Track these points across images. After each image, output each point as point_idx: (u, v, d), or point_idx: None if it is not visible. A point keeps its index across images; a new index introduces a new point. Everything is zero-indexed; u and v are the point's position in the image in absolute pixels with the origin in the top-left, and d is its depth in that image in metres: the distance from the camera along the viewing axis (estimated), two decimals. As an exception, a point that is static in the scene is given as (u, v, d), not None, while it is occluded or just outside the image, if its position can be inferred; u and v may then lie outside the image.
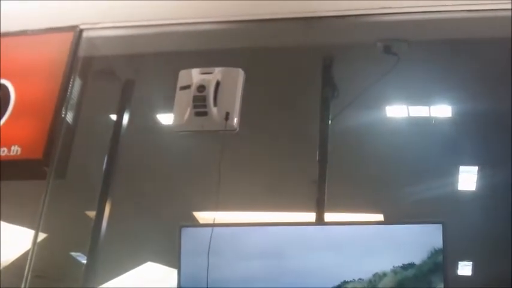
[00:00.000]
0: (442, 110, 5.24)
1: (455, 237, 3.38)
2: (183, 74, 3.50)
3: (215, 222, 3.36)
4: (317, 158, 3.96)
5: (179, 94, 3.45)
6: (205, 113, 3.34)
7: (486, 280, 8.56)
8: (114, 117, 4.53)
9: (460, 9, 3.44)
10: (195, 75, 3.43)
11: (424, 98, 5.08)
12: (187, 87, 3.41)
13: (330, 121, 4.00)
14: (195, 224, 5.86)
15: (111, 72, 4.40)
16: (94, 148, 4.55)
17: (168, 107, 5.42)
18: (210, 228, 3.55)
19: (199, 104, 3.34)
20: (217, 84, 3.38)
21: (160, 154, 5.98)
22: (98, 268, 4.25)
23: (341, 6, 3.54)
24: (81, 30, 3.97)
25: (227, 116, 3.32)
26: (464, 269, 8.68)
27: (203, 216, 7.26)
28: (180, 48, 4.02)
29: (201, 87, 3.36)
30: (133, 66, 4.41)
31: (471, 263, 8.64)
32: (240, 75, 3.44)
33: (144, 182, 6.53)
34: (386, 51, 3.89)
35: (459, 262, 8.47)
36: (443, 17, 3.51)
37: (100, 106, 4.61)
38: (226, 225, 3.67)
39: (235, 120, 3.35)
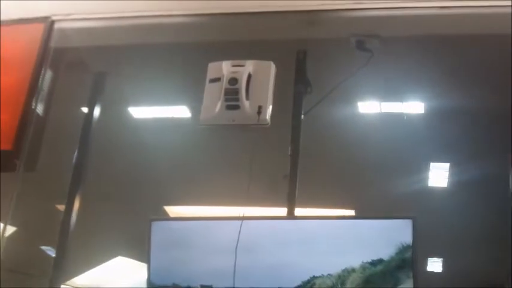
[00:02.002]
0: (414, 106, 5.26)
1: (426, 233, 3.39)
2: (212, 66, 3.44)
3: (187, 216, 3.33)
4: (289, 152, 3.96)
5: (208, 87, 3.38)
6: (237, 107, 3.28)
7: (456, 277, 8.63)
8: (85, 109, 4.50)
9: (432, 5, 3.45)
10: (226, 68, 3.37)
11: (396, 94, 5.10)
12: (217, 79, 3.35)
13: (302, 116, 3.99)
14: (166, 217, 5.84)
15: (82, 64, 4.36)
16: (65, 141, 4.51)
17: (140, 99, 5.49)
18: (180, 222, 3.54)
19: (231, 97, 3.28)
20: (249, 77, 3.33)
21: (131, 148, 5.96)
22: (67, 262, 4.22)
23: (315, 1, 3.54)
24: (52, 22, 3.93)
25: (259, 110, 3.26)
26: (434, 265, 8.74)
27: (175, 210, 7.25)
28: (152, 40, 4.00)
29: (233, 80, 3.30)
30: (105, 58, 4.38)
31: (441, 259, 8.71)
32: (271, 68, 3.38)
33: (115, 175, 6.50)
34: (359, 47, 3.89)
35: (429, 258, 8.53)
36: (417, 13, 3.52)
37: (71, 98, 4.58)
38: (196, 219, 3.66)
39: (268, 114, 3.29)
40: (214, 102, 3.32)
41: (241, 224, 3.17)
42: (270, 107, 3.31)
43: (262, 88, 3.32)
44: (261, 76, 3.34)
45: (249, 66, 3.35)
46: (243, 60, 3.38)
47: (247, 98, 3.28)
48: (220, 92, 3.31)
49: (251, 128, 3.34)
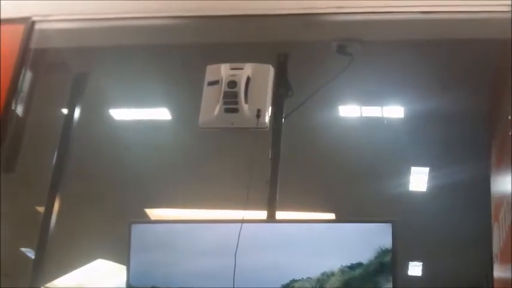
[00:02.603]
0: (395, 111, 5.29)
1: (406, 237, 3.40)
2: (210, 69, 3.41)
3: (168, 219, 3.32)
4: (269, 156, 3.96)
5: (207, 89, 3.35)
6: (236, 110, 3.25)
7: (435, 280, 8.66)
8: (65, 110, 4.48)
9: (414, 10, 3.46)
10: (224, 71, 3.34)
11: (377, 98, 5.12)
12: (216, 82, 3.32)
13: (283, 119, 4.00)
14: (146, 220, 5.83)
15: (63, 65, 4.34)
16: (45, 142, 4.50)
17: (121, 100, 5.47)
18: (160, 225, 3.53)
19: (230, 100, 3.25)
20: (248, 80, 3.31)
21: (112, 149, 5.94)
22: (47, 264, 4.20)
23: (296, 5, 3.54)
24: (33, 22, 3.91)
25: (259, 113, 3.24)
26: (414, 269, 8.77)
27: (156, 213, 7.24)
28: (133, 42, 3.98)
29: (232, 83, 3.28)
30: (85, 59, 4.36)
31: (421, 263, 8.74)
32: (270, 71, 3.37)
33: (96, 177, 6.48)
34: (340, 51, 3.90)
35: (409, 262, 8.56)
36: (398, 18, 3.53)
37: (51, 99, 4.56)
38: (176, 222, 3.65)
39: (267, 117, 3.28)
40: (213, 105, 3.30)
41: (240, 227, 3.15)
42: (269, 111, 3.30)
43: (261, 91, 3.30)
44: (260, 79, 3.33)
45: (248, 69, 3.34)
46: (242, 63, 3.36)
47: (246, 101, 3.26)
48: (219, 95, 3.29)
49: (250, 131, 3.33)
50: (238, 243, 3.13)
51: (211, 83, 3.35)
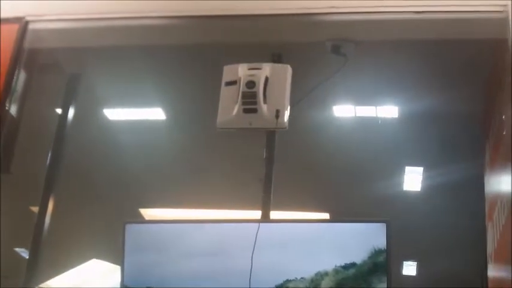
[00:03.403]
0: (389, 111, 5.29)
1: (400, 236, 3.40)
2: (228, 69, 3.39)
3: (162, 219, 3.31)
4: (264, 156, 3.96)
5: (224, 90, 3.33)
6: (254, 110, 3.22)
7: (430, 280, 8.67)
8: (59, 111, 4.48)
9: (408, 10, 3.46)
10: (242, 71, 3.31)
11: (371, 98, 5.13)
12: (234, 82, 3.30)
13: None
14: (140, 220, 5.82)
15: (56, 65, 4.34)
16: (39, 142, 4.49)
17: (115, 100, 5.47)
18: (154, 225, 3.52)
19: (249, 100, 3.23)
20: (266, 80, 3.28)
21: (106, 149, 5.94)
22: (41, 264, 4.20)
23: (291, 5, 3.54)
24: (26, 22, 3.90)
25: (277, 114, 3.21)
26: (409, 268, 8.78)
27: (150, 213, 7.23)
28: (126, 42, 3.98)
29: (251, 83, 3.25)
30: (79, 59, 4.36)
31: (415, 262, 8.74)
32: (288, 71, 3.34)
33: (90, 177, 6.47)
34: (334, 51, 3.90)
35: (404, 262, 8.56)
36: (392, 18, 3.53)
37: (45, 99, 4.56)
38: (171, 222, 3.64)
39: (286, 117, 3.26)
40: (231, 106, 3.28)
41: (258, 227, 3.12)
42: (288, 111, 3.29)
43: (279, 91, 3.28)
44: (278, 79, 3.31)
45: (266, 69, 3.31)
46: (260, 63, 3.34)
47: (264, 101, 3.24)
48: (237, 95, 3.27)
49: (267, 131, 3.31)
50: (255, 243, 3.10)
51: (228, 83, 3.32)
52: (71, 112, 4.39)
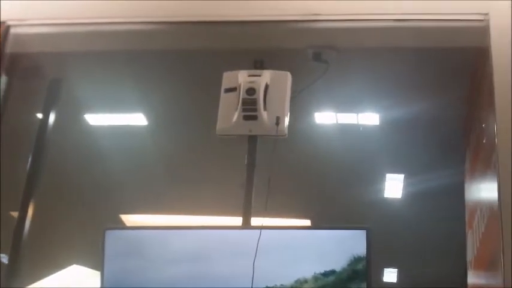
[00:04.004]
0: (370, 118, 5.31)
1: (381, 244, 3.41)
2: (227, 75, 3.40)
3: (142, 225, 3.30)
4: (245, 161, 3.96)
5: (224, 96, 3.34)
6: (254, 117, 3.24)
7: (410, 286, 8.70)
8: (40, 116, 4.46)
9: (388, 18, 3.48)
10: (242, 77, 3.33)
11: (352, 106, 5.14)
12: (233, 89, 3.31)
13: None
14: (120, 226, 5.80)
15: (38, 69, 4.32)
16: (19, 147, 4.47)
17: (97, 106, 5.45)
18: (135, 231, 3.51)
19: (249, 107, 3.24)
20: (266, 87, 3.29)
21: (87, 155, 5.92)
22: (21, 270, 4.17)
23: (272, 12, 3.54)
24: (8, 27, 3.88)
25: (278, 121, 3.23)
26: (390, 275, 8.80)
27: (132, 219, 7.21)
28: (108, 47, 3.97)
29: (251, 90, 3.26)
30: (61, 64, 4.34)
31: (396, 269, 8.77)
32: (288, 78, 3.37)
33: (71, 183, 6.45)
34: (316, 58, 3.91)
35: (384, 269, 8.59)
36: (373, 25, 3.55)
37: (26, 104, 4.54)
38: (151, 228, 3.64)
39: (286, 125, 3.27)
40: (230, 112, 3.29)
41: (260, 233, 3.10)
42: (288, 118, 3.29)
43: (279, 98, 3.30)
44: (278, 86, 3.32)
45: (266, 76, 3.33)
46: (260, 70, 3.37)
47: (265, 108, 3.26)
48: (237, 102, 3.28)
49: (268, 139, 3.32)
50: (257, 250, 3.06)
51: (228, 90, 3.33)
52: (52, 117, 4.37)
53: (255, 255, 3.06)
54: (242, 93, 3.28)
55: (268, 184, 3.25)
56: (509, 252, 2.84)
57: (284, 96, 3.32)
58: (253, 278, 3.03)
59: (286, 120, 3.29)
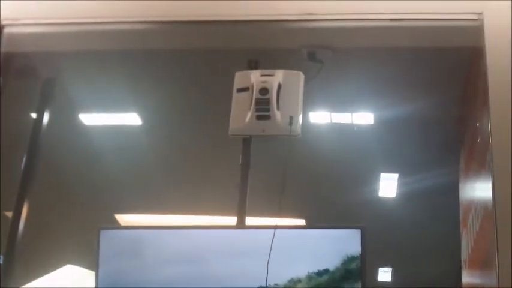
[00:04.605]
0: (364, 117, 5.31)
1: (375, 243, 3.41)
2: (240, 75, 3.39)
3: (137, 224, 3.29)
4: (240, 162, 3.96)
5: (236, 96, 3.33)
6: (268, 117, 3.23)
7: (404, 286, 8.71)
8: (34, 115, 4.45)
9: (383, 18, 3.48)
10: (255, 77, 3.32)
11: (346, 105, 5.14)
12: (246, 89, 3.30)
13: (253, 125, 3.99)
14: (115, 226, 5.80)
15: (32, 69, 4.31)
16: (13, 147, 4.46)
17: (91, 106, 5.44)
18: (130, 231, 3.51)
19: (262, 107, 3.23)
20: (279, 87, 3.29)
21: (82, 155, 5.91)
22: (15, 270, 4.16)
23: (267, 12, 3.54)
24: (2, 26, 3.88)
25: (291, 121, 3.23)
26: (384, 275, 8.81)
27: (127, 219, 7.21)
28: (102, 47, 3.97)
29: (264, 90, 3.25)
30: (54, 64, 4.34)
31: (391, 269, 8.78)
32: (301, 78, 3.36)
33: (65, 183, 6.44)
34: (311, 58, 3.90)
35: (378, 268, 8.60)
36: (368, 25, 3.55)
37: (20, 104, 4.53)
38: (146, 228, 3.63)
39: (299, 125, 3.27)
40: (243, 113, 3.28)
41: (274, 233, 3.09)
42: (300, 118, 3.29)
43: (292, 98, 3.29)
44: (291, 86, 3.32)
45: (279, 75, 3.32)
46: (272, 70, 3.35)
47: (277, 108, 3.25)
48: (249, 101, 3.27)
49: (280, 138, 3.31)
50: (270, 250, 3.05)
51: (240, 90, 3.32)
52: (46, 117, 4.36)
53: (269, 255, 3.05)
54: (255, 93, 3.27)
55: (282, 184, 3.23)
56: (504, 251, 2.85)
57: (297, 96, 3.31)
58: (267, 277, 3.02)
59: (300, 120, 3.28)
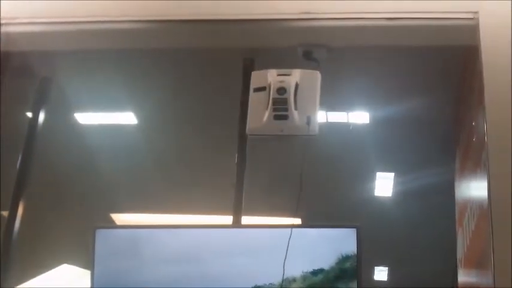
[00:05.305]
0: (360, 117, 5.31)
1: (371, 242, 3.42)
2: (256, 74, 3.36)
3: (133, 224, 3.29)
4: (235, 161, 3.96)
5: (253, 96, 3.30)
6: (285, 117, 3.20)
7: (401, 285, 8.71)
8: (30, 115, 4.45)
9: (379, 16, 3.48)
10: (272, 77, 3.28)
11: (342, 104, 5.14)
12: (263, 89, 3.27)
13: (249, 124, 3.99)
14: (111, 225, 5.80)
15: (28, 68, 4.31)
16: (9, 146, 4.46)
17: (87, 105, 5.44)
18: (125, 230, 3.51)
19: (280, 107, 3.20)
20: (296, 86, 3.26)
21: (78, 154, 5.91)
22: (11, 270, 4.16)
23: (263, 10, 3.55)
24: (-1, 25, 3.88)
25: (308, 120, 3.21)
26: (380, 274, 8.82)
27: (123, 218, 7.20)
28: (98, 46, 3.96)
29: (282, 90, 3.22)
30: (51, 63, 4.33)
31: (387, 268, 8.79)
32: (318, 77, 3.34)
33: (61, 182, 6.44)
34: (306, 57, 3.90)
35: (373, 268, 8.60)
36: (364, 24, 3.55)
37: (16, 103, 4.52)
38: (142, 227, 3.63)
39: (316, 124, 3.25)
40: (261, 112, 3.25)
41: (290, 232, 3.09)
42: (318, 118, 3.28)
43: (309, 98, 3.27)
44: (308, 85, 3.29)
45: (296, 75, 3.29)
46: (289, 69, 3.32)
47: (295, 107, 3.22)
48: (267, 101, 3.24)
49: (298, 138, 3.30)
50: (287, 250, 3.04)
51: (257, 89, 3.30)
52: (42, 116, 4.36)
53: (286, 255, 3.04)
54: (272, 93, 3.24)
55: (299, 184, 3.21)
56: (499, 250, 2.85)
57: (314, 96, 3.29)
58: (283, 277, 3.02)
59: (317, 119, 3.27)
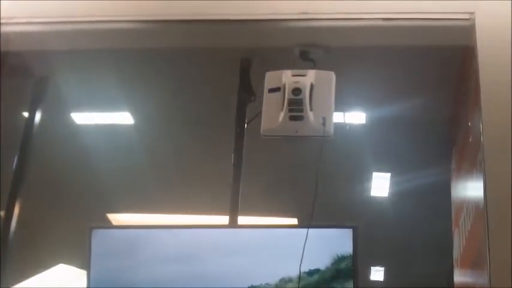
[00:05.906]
0: (357, 117, 5.31)
1: (368, 242, 3.42)
2: (271, 75, 3.36)
3: (129, 224, 3.29)
4: (232, 161, 3.97)
5: (268, 97, 3.30)
6: (301, 118, 3.20)
7: (398, 285, 8.72)
8: (26, 114, 4.45)
9: (376, 17, 3.49)
10: (286, 77, 3.29)
11: (338, 104, 5.14)
12: (277, 89, 3.27)
13: (245, 124, 4.00)
14: (107, 225, 5.79)
15: (25, 68, 4.31)
16: (5, 146, 4.46)
17: (83, 104, 5.43)
18: (121, 230, 3.52)
19: (296, 107, 3.20)
20: (311, 87, 3.26)
21: (74, 153, 5.90)
22: (7, 270, 4.16)
23: (260, 11, 3.55)
24: (-2, 25, 3.88)
25: (324, 121, 3.21)
26: (377, 274, 8.82)
27: (120, 218, 7.20)
28: (95, 46, 3.96)
29: (297, 90, 3.22)
30: (48, 62, 4.33)
31: (383, 268, 8.79)
32: (332, 78, 3.35)
33: (58, 181, 6.43)
34: (303, 57, 3.91)
35: (369, 268, 8.60)
36: (360, 24, 3.55)
37: (13, 103, 4.52)
38: (138, 227, 3.63)
39: (332, 126, 3.25)
40: (275, 113, 3.25)
41: (307, 232, 3.08)
42: (333, 119, 3.27)
43: (325, 99, 3.27)
44: (323, 86, 3.30)
45: (311, 75, 3.30)
46: (304, 70, 3.33)
47: (310, 108, 3.22)
48: (281, 102, 3.24)
49: (312, 139, 3.29)
50: (303, 251, 3.03)
51: (272, 90, 3.29)
52: (38, 115, 4.37)
53: (302, 256, 3.03)
54: (288, 93, 3.23)
55: (315, 185, 3.21)
56: (495, 250, 2.86)
57: (330, 96, 3.29)
58: (299, 278, 3.01)
59: (332, 120, 3.26)
